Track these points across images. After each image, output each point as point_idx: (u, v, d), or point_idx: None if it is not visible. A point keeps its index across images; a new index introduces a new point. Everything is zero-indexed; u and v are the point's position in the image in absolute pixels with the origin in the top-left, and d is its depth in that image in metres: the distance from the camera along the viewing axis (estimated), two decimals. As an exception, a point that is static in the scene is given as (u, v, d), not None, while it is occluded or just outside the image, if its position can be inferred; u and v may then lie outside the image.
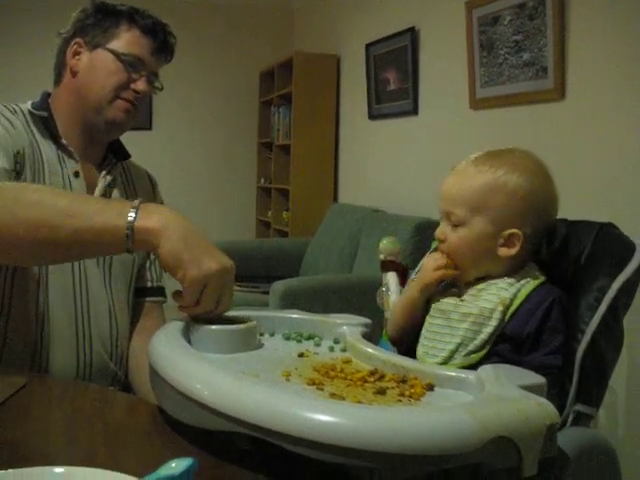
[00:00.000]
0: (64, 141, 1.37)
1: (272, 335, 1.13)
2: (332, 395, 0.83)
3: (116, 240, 1.02)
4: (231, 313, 1.06)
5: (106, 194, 1.42)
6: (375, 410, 0.76)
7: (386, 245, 1.94)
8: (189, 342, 0.97)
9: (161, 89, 1.45)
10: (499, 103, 3.04)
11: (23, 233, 1.03)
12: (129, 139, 1.52)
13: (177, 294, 1.02)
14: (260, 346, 1.04)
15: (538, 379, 0.86)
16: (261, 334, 1.10)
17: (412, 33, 3.75)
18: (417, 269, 1.46)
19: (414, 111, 3.80)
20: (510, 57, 2.92)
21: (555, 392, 1.03)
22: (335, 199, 4.83)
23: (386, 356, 0.98)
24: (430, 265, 1.20)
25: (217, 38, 5.61)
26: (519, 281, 1.14)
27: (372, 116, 4.30)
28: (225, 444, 0.81)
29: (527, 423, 0.74)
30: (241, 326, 1.02)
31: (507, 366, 0.92)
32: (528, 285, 1.13)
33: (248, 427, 0.73)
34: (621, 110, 2.41)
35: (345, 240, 3.90)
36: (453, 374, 0.91)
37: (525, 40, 2.82)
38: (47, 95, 1.43)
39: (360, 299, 3.01)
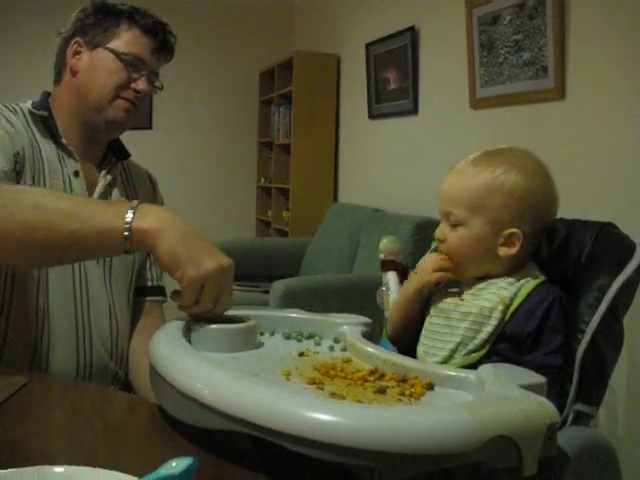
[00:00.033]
0: (64, 140, 1.37)
1: (272, 334, 1.13)
2: (332, 394, 0.83)
3: (114, 242, 1.02)
4: (231, 312, 1.06)
5: (106, 193, 1.42)
6: (375, 409, 0.76)
7: (386, 244, 1.94)
8: (189, 341, 0.97)
9: (161, 88, 1.45)
10: (499, 103, 3.04)
11: (20, 236, 1.03)
12: (129, 138, 1.52)
13: (176, 294, 1.02)
14: (260, 345, 1.04)
15: (538, 378, 0.86)
16: (261, 333, 1.10)
17: (412, 32, 3.75)
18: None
19: (414, 110, 3.80)
20: (510, 56, 2.92)
21: (555, 391, 1.03)
22: (335, 198, 4.83)
23: (386, 355, 0.98)
24: (427, 266, 1.20)
25: (217, 37, 5.60)
26: (519, 280, 1.14)
27: (372, 115, 4.30)
28: (225, 443, 0.81)
29: (527, 422, 0.74)
30: (241, 325, 1.02)
31: (507, 365, 0.92)
32: (528, 284, 1.14)
33: (248, 426, 0.73)
34: (621, 110, 2.41)
35: (345, 239, 3.90)
36: (453, 373, 0.91)
37: (525, 39, 2.82)
38: (47, 95, 1.43)
39: (360, 298, 3.01)
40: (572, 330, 1.11)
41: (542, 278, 1.15)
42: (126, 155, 1.51)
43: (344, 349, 1.07)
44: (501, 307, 1.11)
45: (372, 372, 0.92)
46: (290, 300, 3.02)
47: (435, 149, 3.58)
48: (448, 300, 1.18)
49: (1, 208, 1.04)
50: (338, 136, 4.82)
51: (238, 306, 1.12)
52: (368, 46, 4.24)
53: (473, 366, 1.02)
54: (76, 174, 1.37)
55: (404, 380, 0.90)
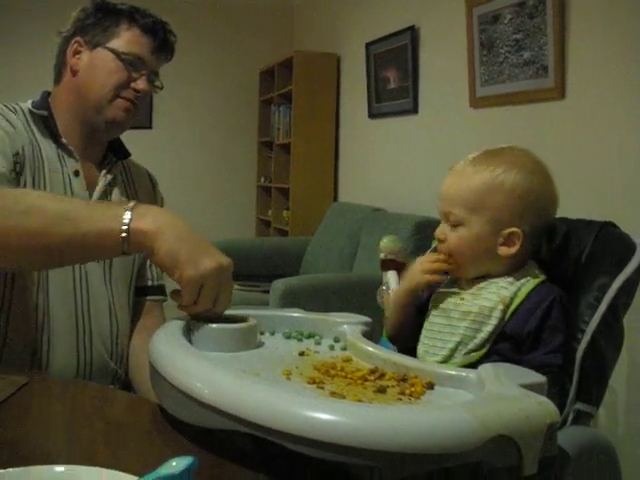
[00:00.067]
0: (64, 140, 1.37)
1: (272, 334, 1.13)
2: (332, 394, 0.83)
3: (111, 243, 1.01)
4: (231, 312, 1.06)
5: (106, 193, 1.42)
6: (375, 409, 0.76)
7: (386, 244, 1.94)
8: (189, 341, 0.97)
9: (161, 88, 1.45)
10: (499, 102, 3.04)
11: (18, 240, 1.02)
12: (129, 138, 1.52)
13: (175, 293, 1.02)
14: (260, 345, 1.04)
15: (538, 378, 0.86)
16: (261, 333, 1.10)
17: (412, 32, 3.75)
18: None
19: (414, 110, 3.80)
20: (510, 56, 2.92)
21: (555, 391, 1.03)
22: (335, 198, 4.83)
23: (386, 355, 0.98)
24: (418, 267, 1.21)
25: (217, 37, 5.60)
26: (519, 280, 1.14)
27: (372, 115, 4.30)
28: (225, 443, 0.81)
29: (527, 422, 0.74)
30: (242, 325, 1.02)
31: (507, 365, 0.92)
32: (528, 284, 1.13)
33: (248, 426, 0.73)
34: (621, 109, 2.41)
35: (345, 239, 3.90)
36: (453, 373, 0.91)
37: (525, 39, 2.82)
38: (47, 94, 1.43)
39: (360, 298, 3.01)
40: (572, 329, 1.11)
41: (542, 277, 1.15)
42: (126, 154, 1.51)
43: (344, 348, 1.07)
44: (501, 306, 1.11)
45: (372, 371, 0.92)
46: (290, 299, 3.02)
47: (435, 148, 3.58)
48: (448, 299, 1.18)
49: None
50: (338, 135, 4.82)
51: (238, 306, 1.12)
52: (368, 45, 4.24)
53: (473, 365, 1.02)
54: (76, 173, 1.37)
55: (404, 379, 0.90)
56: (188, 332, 0.99)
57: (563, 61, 2.63)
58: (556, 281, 1.17)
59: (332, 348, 1.06)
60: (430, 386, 0.88)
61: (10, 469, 0.64)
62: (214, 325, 0.99)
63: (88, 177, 1.39)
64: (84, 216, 1.04)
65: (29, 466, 0.66)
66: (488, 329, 1.11)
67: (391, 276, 1.66)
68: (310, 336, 1.11)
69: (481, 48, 3.10)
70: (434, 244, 1.30)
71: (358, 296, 3.06)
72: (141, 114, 1.46)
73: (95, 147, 1.44)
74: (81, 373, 1.33)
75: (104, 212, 1.04)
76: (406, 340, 1.26)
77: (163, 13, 1.44)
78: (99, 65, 1.37)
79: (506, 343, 1.11)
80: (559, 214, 1.22)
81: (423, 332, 1.21)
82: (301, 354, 1.02)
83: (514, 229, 1.14)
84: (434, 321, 1.19)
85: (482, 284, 1.16)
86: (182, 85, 5.20)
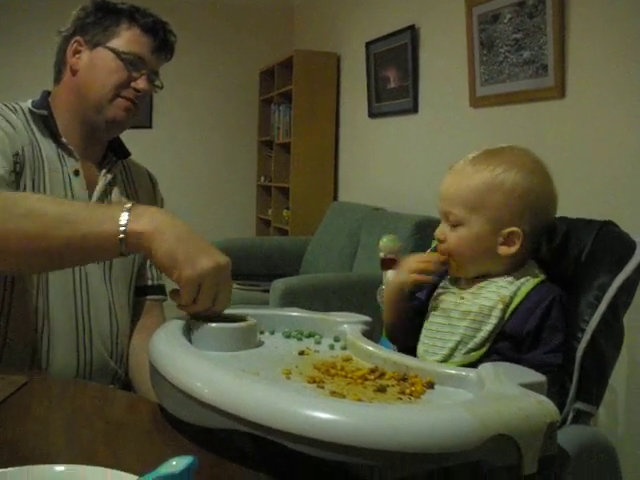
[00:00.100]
0: (64, 139, 1.37)
1: (272, 333, 1.13)
2: (332, 393, 0.83)
3: (109, 245, 1.02)
4: (231, 311, 1.06)
5: (106, 192, 1.42)
6: (375, 408, 0.76)
7: (386, 243, 1.95)
8: (189, 340, 0.97)
9: (161, 87, 1.45)
10: (499, 101, 3.04)
11: (17, 243, 1.03)
12: (129, 137, 1.52)
13: (175, 293, 1.02)
14: (260, 344, 1.04)
15: (538, 377, 0.86)
16: (261, 332, 1.10)
17: (412, 31, 3.75)
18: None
19: (414, 109, 3.80)
20: (510, 55, 2.92)
21: (555, 390, 1.03)
22: (335, 197, 4.83)
23: (386, 354, 0.98)
24: (406, 266, 1.21)
25: (217, 36, 5.60)
26: (519, 279, 1.14)
27: (372, 114, 4.30)
28: (225, 442, 0.81)
29: (527, 421, 0.74)
30: (241, 324, 1.02)
31: (507, 364, 0.92)
32: (528, 283, 1.13)
33: (248, 425, 0.73)
34: (621, 108, 2.40)
35: (345, 238, 3.90)
36: (453, 372, 0.91)
37: (525, 38, 2.82)
38: (47, 94, 1.43)
39: (360, 297, 3.01)
40: (572, 329, 1.11)
41: (542, 277, 1.15)
42: (126, 154, 1.51)
43: (344, 348, 1.07)
44: (501, 306, 1.11)
45: (372, 371, 0.92)
46: (290, 299, 3.02)
47: (435, 148, 3.58)
48: (448, 299, 1.19)
49: None
50: (338, 135, 4.82)
51: (238, 305, 1.12)
52: (368, 45, 4.24)
53: (473, 365, 1.02)
54: (76, 173, 1.37)
55: (404, 379, 0.90)
56: (188, 331, 0.99)
57: (563, 60, 2.63)
58: (556, 280, 1.17)
59: (332, 347, 1.06)
60: (430, 385, 0.88)
61: (10, 468, 0.64)
62: (214, 324, 0.99)
63: (88, 176, 1.39)
64: (83, 218, 1.04)
65: (29, 466, 0.66)
66: (488, 328, 1.11)
67: (391, 275, 1.66)
68: (310, 335, 1.11)
69: (481, 47, 3.10)
70: (434, 244, 1.30)
71: (358, 295, 3.06)
72: (141, 113, 1.46)
73: (95, 146, 1.44)
74: (81, 373, 1.33)
75: (102, 214, 1.04)
76: (403, 338, 1.26)
77: (163, 13, 1.44)
78: (99, 65, 1.37)
79: (506, 342, 1.11)
80: (559, 213, 1.22)
81: (423, 332, 1.21)
82: (301, 353, 1.02)
83: (514, 228, 1.13)
84: (434, 321, 1.19)
85: (482, 283, 1.16)
86: (182, 85, 5.21)
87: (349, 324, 1.12)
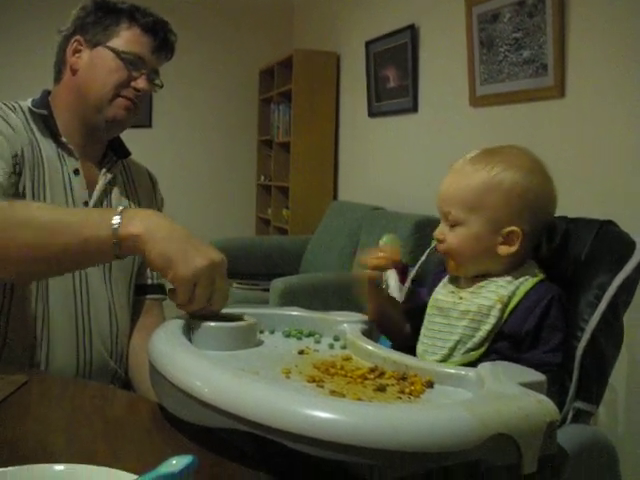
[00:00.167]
0: (64, 139, 1.37)
1: (272, 332, 1.13)
2: (332, 392, 0.83)
3: (104, 249, 1.03)
4: (231, 310, 1.06)
5: (106, 192, 1.42)
6: (375, 407, 0.76)
7: (386, 243, 1.94)
8: (189, 339, 0.97)
9: (161, 87, 1.45)
10: (499, 100, 3.04)
11: (17, 252, 1.04)
12: (129, 137, 1.52)
13: (172, 292, 1.02)
14: (260, 343, 1.05)
15: (538, 376, 0.87)
16: (261, 331, 1.10)
17: (412, 30, 3.75)
18: (417, 266, 1.47)
19: (414, 109, 3.80)
20: (510, 54, 2.92)
21: (555, 389, 1.03)
22: (335, 197, 4.83)
23: (386, 353, 0.98)
24: (362, 259, 1.21)
25: (217, 36, 5.60)
26: (517, 279, 1.14)
27: (372, 114, 4.30)
28: (225, 441, 0.81)
29: (527, 420, 0.74)
30: (241, 323, 1.02)
31: (507, 363, 0.92)
32: (527, 283, 1.13)
33: (248, 424, 0.74)
34: (621, 107, 2.40)
35: (345, 238, 3.90)
36: (453, 371, 0.91)
37: (525, 37, 2.82)
38: (47, 93, 1.43)
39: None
40: (572, 328, 1.11)
41: (541, 276, 1.15)
42: (126, 153, 1.51)
43: (344, 347, 1.07)
44: (499, 305, 1.11)
45: (372, 370, 0.93)
46: (290, 298, 3.02)
47: (435, 147, 3.58)
48: (447, 299, 1.18)
49: None
50: (338, 134, 4.82)
51: (238, 304, 1.12)
52: (368, 44, 4.24)
53: (472, 364, 1.02)
54: (76, 172, 1.37)
55: (404, 378, 0.90)
56: (188, 331, 0.99)
57: (563, 60, 2.63)
58: (556, 280, 1.17)
59: (332, 347, 1.07)
60: (430, 385, 0.88)
61: (10, 467, 0.64)
62: (213, 324, 1.00)
63: (88, 176, 1.39)
64: (76, 224, 1.05)
65: (29, 465, 0.66)
66: (487, 328, 1.11)
67: (390, 274, 1.66)
68: (310, 335, 1.11)
69: (481, 47, 3.10)
70: (433, 244, 1.30)
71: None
72: (141, 113, 1.46)
73: (95, 146, 1.44)
74: (81, 373, 1.33)
75: (96, 219, 1.06)
76: (396, 335, 1.26)
77: (163, 12, 1.44)
78: (99, 64, 1.37)
79: (505, 342, 1.10)
80: (559, 213, 1.22)
81: (422, 331, 1.21)
82: (301, 353, 1.02)
83: (513, 228, 1.13)
84: (433, 320, 1.19)
85: (481, 283, 1.16)
86: (182, 84, 5.20)
87: (349, 323, 1.12)
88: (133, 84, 1.38)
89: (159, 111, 5.38)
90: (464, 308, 1.14)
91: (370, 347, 1.00)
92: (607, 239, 1.17)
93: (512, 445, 0.73)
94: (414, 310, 1.26)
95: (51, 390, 1.08)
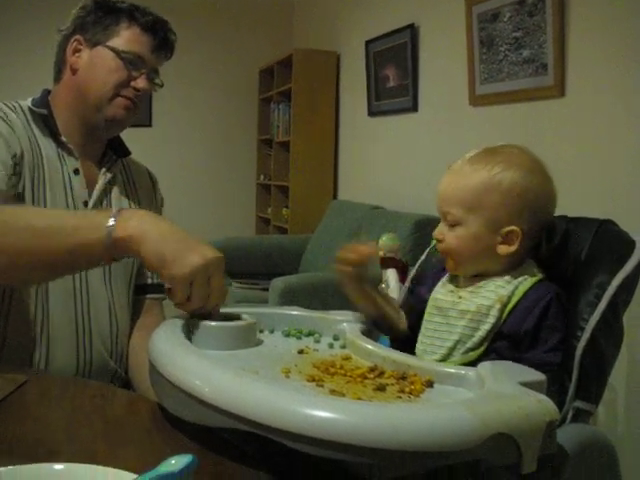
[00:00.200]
0: (64, 138, 1.37)
1: (272, 332, 1.13)
2: (332, 392, 0.83)
3: (101, 252, 1.03)
4: (231, 310, 1.06)
5: (106, 191, 1.42)
6: (375, 407, 0.76)
7: (386, 242, 1.95)
8: (189, 339, 0.97)
9: (161, 86, 1.45)
10: (499, 100, 3.04)
11: (11, 260, 1.05)
12: (129, 136, 1.52)
13: (169, 291, 1.02)
14: (260, 343, 1.05)
15: (538, 376, 0.87)
16: (261, 331, 1.10)
17: (412, 30, 3.75)
18: (416, 266, 1.47)
19: (414, 108, 3.80)
20: (510, 54, 2.91)
21: (555, 389, 1.03)
22: (335, 196, 4.83)
23: (386, 352, 0.98)
24: (339, 255, 1.20)
25: (217, 35, 5.60)
26: (517, 278, 1.14)
27: (372, 113, 4.29)
28: (225, 441, 0.81)
29: (527, 420, 0.74)
30: (241, 323, 1.02)
31: (507, 363, 0.92)
32: (526, 282, 1.13)
33: (248, 424, 0.74)
34: (621, 107, 2.40)
35: (345, 237, 3.90)
36: (453, 371, 0.91)
37: (525, 37, 2.82)
38: (47, 92, 1.43)
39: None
40: (572, 327, 1.10)
41: (540, 276, 1.15)
42: (126, 153, 1.51)
43: (344, 346, 1.07)
44: (498, 305, 1.11)
45: (372, 369, 0.93)
46: (289, 297, 3.02)
47: (435, 146, 3.58)
48: (446, 298, 1.18)
49: None
50: (338, 133, 4.82)
51: (237, 303, 1.12)
52: (368, 43, 4.24)
53: (472, 364, 1.02)
54: (76, 172, 1.37)
55: (404, 377, 0.90)
56: (187, 330, 0.99)
57: (563, 59, 2.63)
58: (556, 279, 1.17)
59: (331, 346, 1.07)
60: (429, 384, 0.88)
61: (10, 467, 0.64)
62: (213, 323, 1.00)
63: (88, 175, 1.39)
64: (71, 227, 1.06)
65: (29, 464, 0.66)
66: (486, 327, 1.11)
67: (390, 274, 1.66)
68: (309, 334, 1.11)
69: (481, 46, 3.10)
70: (433, 243, 1.30)
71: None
72: (141, 112, 1.46)
73: (95, 145, 1.44)
74: (81, 372, 1.33)
75: (90, 222, 1.06)
76: (391, 331, 1.25)
77: (163, 12, 1.44)
78: (99, 64, 1.37)
79: (504, 342, 1.10)
80: (558, 212, 1.22)
81: (422, 331, 1.21)
82: (300, 352, 1.02)
83: (513, 227, 1.13)
84: (432, 320, 1.19)
85: (480, 283, 1.16)
86: (182, 83, 5.20)
87: (348, 323, 1.12)
88: (133, 83, 1.38)
89: (159, 110, 5.38)
90: (463, 308, 1.14)
91: (370, 346, 1.00)
92: (607, 238, 1.17)
93: (512, 444, 0.73)
94: (413, 309, 1.26)
95: (51, 390, 1.08)
